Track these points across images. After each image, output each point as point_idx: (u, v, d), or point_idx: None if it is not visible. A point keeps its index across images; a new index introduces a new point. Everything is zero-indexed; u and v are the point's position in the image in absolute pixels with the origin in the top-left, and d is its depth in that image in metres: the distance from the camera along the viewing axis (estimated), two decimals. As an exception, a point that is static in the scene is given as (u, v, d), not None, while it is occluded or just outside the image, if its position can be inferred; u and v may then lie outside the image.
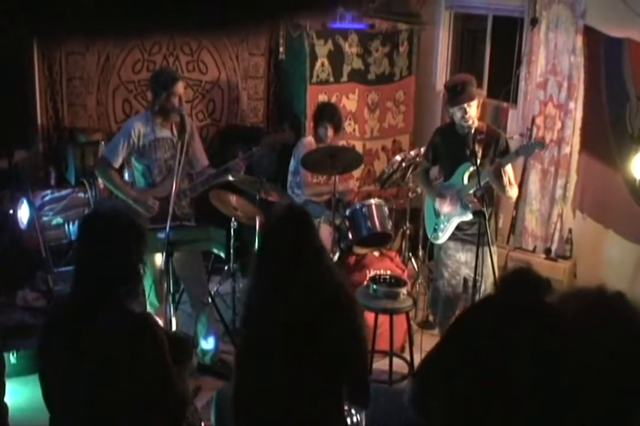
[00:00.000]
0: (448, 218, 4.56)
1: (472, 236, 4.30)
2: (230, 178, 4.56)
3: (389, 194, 6.43)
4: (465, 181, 4.41)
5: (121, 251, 2.49)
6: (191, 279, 4.61)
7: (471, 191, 4.34)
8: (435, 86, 6.97)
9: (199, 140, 4.72)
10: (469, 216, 4.38)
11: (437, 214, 4.67)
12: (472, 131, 4.36)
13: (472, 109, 4.33)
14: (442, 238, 4.62)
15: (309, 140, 5.59)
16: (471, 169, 4.28)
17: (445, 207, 4.54)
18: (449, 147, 4.50)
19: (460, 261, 4.55)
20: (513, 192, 4.44)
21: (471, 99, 4.30)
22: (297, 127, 6.15)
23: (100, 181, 5.62)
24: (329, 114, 5.47)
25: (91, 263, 2.49)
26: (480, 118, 4.54)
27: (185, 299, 4.88)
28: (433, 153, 4.69)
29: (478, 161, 4.16)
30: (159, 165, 4.42)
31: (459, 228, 4.53)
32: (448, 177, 4.58)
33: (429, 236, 4.79)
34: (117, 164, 4.45)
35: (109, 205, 2.85)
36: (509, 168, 4.36)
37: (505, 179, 4.28)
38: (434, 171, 4.92)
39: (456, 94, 4.32)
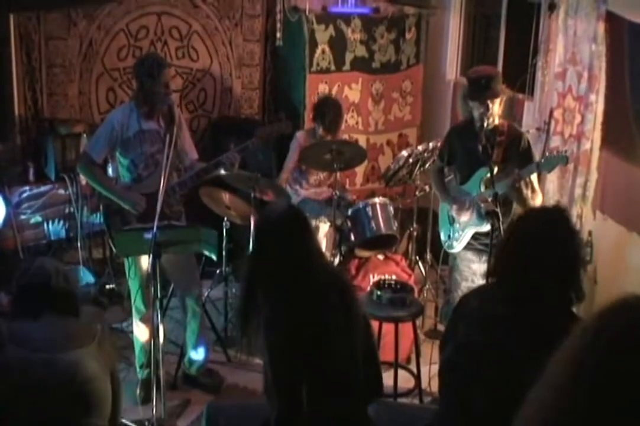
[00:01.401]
0: (463, 227, 4.54)
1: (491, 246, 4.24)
2: (222, 172, 4.55)
3: (394, 193, 6.43)
4: (482, 188, 4.37)
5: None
6: (184, 283, 4.60)
7: (489, 199, 4.27)
8: (445, 76, 6.97)
9: (188, 132, 4.71)
10: (486, 227, 4.31)
11: (451, 222, 4.65)
12: (491, 129, 4.32)
13: (495, 106, 4.29)
14: (457, 247, 4.60)
15: (302, 135, 5.60)
16: (488, 175, 4.23)
17: (463, 217, 4.52)
18: (465, 148, 4.45)
19: (477, 273, 4.51)
20: (537, 201, 4.34)
21: (496, 96, 4.26)
22: (295, 120, 6.15)
23: (81, 176, 5.62)
24: (322, 113, 5.46)
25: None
26: (503, 116, 4.49)
27: (172, 305, 4.88)
28: (448, 154, 4.66)
29: (493, 165, 4.14)
30: (145, 159, 4.39)
31: (475, 237, 4.51)
32: (464, 180, 4.55)
33: (443, 244, 4.77)
34: (100, 160, 4.44)
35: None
36: (534, 178, 4.30)
37: (526, 192, 4.18)
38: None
39: (480, 89, 4.28)
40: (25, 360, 2.64)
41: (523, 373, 2.30)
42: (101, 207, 4.66)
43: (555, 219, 2.55)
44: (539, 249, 2.48)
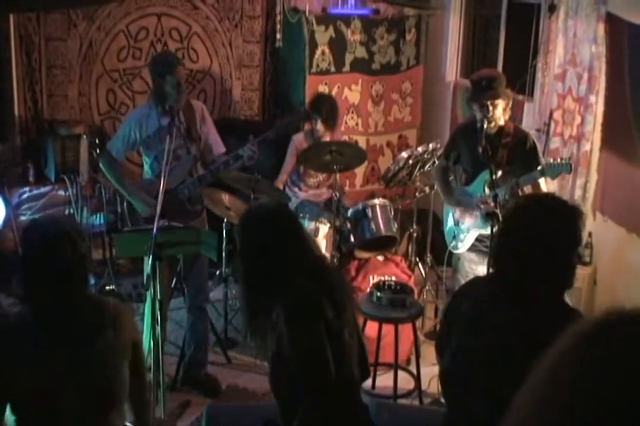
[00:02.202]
0: (467, 229, 4.54)
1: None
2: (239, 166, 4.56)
3: (394, 194, 6.43)
4: (487, 190, 4.37)
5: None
6: (198, 290, 4.64)
7: (490, 201, 4.27)
8: (445, 77, 6.97)
9: (213, 126, 4.68)
10: (489, 230, 4.29)
11: (456, 223, 4.66)
12: (496, 132, 4.31)
13: (498, 110, 4.27)
14: (462, 248, 4.60)
15: (299, 138, 5.61)
16: (492, 177, 4.21)
17: (467, 220, 4.52)
18: (470, 149, 4.46)
19: (480, 274, 4.48)
20: None
21: (495, 97, 4.25)
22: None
23: (81, 177, 5.63)
24: (317, 106, 5.47)
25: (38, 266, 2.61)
26: (510, 119, 4.48)
27: (173, 306, 4.88)
28: (453, 153, 4.66)
29: (498, 167, 4.14)
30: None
31: (479, 239, 4.51)
32: (468, 181, 4.55)
33: (448, 245, 4.76)
34: (120, 157, 4.49)
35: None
36: (541, 180, 4.28)
37: None
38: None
39: (480, 90, 4.29)
40: (43, 360, 2.57)
41: (522, 376, 2.29)
42: (125, 204, 4.65)
43: (550, 209, 2.45)
44: (532, 240, 2.39)
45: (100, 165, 4.62)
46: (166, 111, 4.35)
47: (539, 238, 2.38)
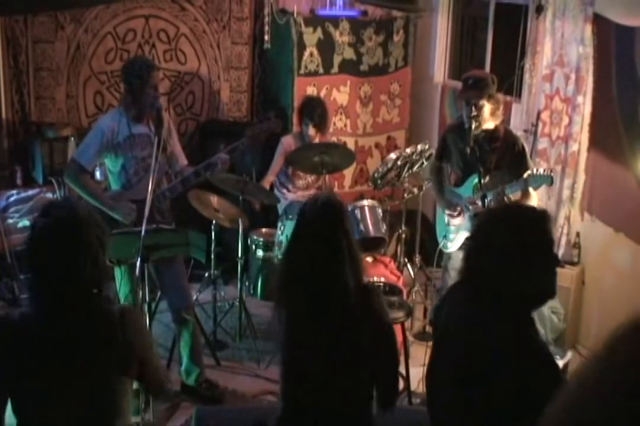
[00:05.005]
0: (457, 229, 4.56)
1: None
2: (209, 176, 4.51)
3: (382, 195, 6.44)
4: (476, 194, 4.37)
5: (85, 251, 2.45)
6: (172, 291, 4.48)
7: (479, 202, 4.27)
8: (433, 78, 6.98)
9: (177, 137, 4.68)
10: None
11: (447, 223, 4.68)
12: (485, 135, 4.31)
13: (483, 112, 4.27)
14: (452, 247, 4.62)
15: (287, 140, 5.62)
16: (480, 180, 4.20)
17: (455, 220, 4.53)
18: (459, 149, 4.47)
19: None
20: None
21: (477, 96, 4.26)
22: (284, 122, 6.14)
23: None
24: (309, 110, 5.48)
25: (53, 267, 2.45)
26: (501, 121, 4.47)
27: (161, 308, 4.86)
28: (445, 153, 4.66)
29: (486, 171, 4.15)
30: (136, 163, 4.31)
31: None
32: (459, 182, 4.56)
33: (439, 243, 4.78)
34: (90, 168, 4.34)
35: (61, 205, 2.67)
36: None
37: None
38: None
39: (465, 88, 4.33)
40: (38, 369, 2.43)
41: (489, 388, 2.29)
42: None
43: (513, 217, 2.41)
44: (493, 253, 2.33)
45: (67, 179, 4.41)
46: (138, 117, 4.29)
47: (497, 242, 2.33)
